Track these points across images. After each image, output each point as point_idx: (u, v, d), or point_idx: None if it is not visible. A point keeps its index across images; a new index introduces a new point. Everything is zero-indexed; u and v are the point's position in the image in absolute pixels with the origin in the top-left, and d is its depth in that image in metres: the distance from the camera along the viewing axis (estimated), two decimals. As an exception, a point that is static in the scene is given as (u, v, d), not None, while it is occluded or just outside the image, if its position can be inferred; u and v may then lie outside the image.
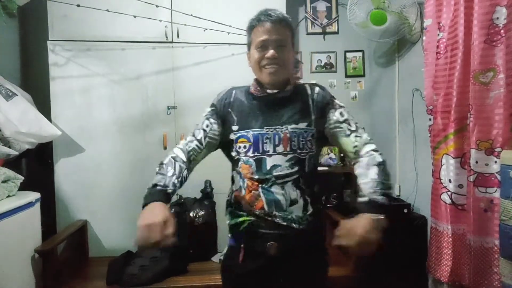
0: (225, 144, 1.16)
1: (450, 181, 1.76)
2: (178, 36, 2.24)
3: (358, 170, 1.10)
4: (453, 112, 1.71)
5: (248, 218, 1.11)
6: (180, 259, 2.01)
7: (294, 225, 1.09)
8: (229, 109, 1.15)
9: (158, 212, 0.96)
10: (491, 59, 1.52)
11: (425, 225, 2.07)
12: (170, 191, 1.02)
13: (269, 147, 1.09)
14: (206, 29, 2.16)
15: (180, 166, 1.07)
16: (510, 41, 1.46)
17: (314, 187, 1.15)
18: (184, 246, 2.06)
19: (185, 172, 1.08)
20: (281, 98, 1.14)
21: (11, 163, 1.98)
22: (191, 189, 2.24)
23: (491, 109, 1.53)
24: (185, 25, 2.15)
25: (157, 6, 2.07)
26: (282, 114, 1.12)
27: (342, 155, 2.69)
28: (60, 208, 2.18)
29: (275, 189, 1.08)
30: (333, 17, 2.83)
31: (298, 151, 1.09)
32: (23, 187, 1.88)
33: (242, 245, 1.13)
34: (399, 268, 2.01)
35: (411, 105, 2.23)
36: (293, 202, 1.09)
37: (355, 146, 1.12)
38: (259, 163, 1.09)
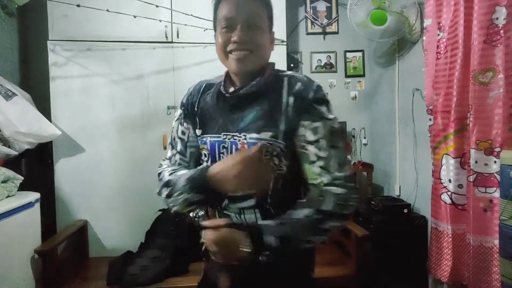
0: None
1: (450, 181, 1.76)
2: (178, 36, 2.24)
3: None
4: (453, 112, 1.71)
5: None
6: (181, 259, 2.01)
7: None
8: (195, 109, 0.94)
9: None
10: (491, 59, 1.52)
11: (425, 225, 2.07)
12: None
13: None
14: (206, 29, 2.15)
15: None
16: (510, 41, 1.46)
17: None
18: (185, 246, 2.06)
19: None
20: (244, 95, 0.87)
21: (11, 163, 1.98)
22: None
23: (490, 109, 1.53)
24: (185, 25, 2.15)
25: (157, 6, 2.07)
26: (242, 117, 0.86)
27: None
28: (60, 208, 2.18)
29: (233, 214, 0.87)
30: (333, 17, 2.83)
31: None
32: (23, 187, 1.88)
33: (203, 267, 0.98)
34: (399, 268, 2.01)
35: (411, 105, 2.23)
36: None
37: (314, 184, 0.82)
38: None
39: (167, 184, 0.88)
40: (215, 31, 0.92)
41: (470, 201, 1.62)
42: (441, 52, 1.76)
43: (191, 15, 2.08)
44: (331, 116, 0.85)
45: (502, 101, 1.49)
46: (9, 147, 1.92)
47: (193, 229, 2.10)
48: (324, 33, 2.84)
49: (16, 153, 1.95)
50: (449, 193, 1.77)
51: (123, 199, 2.21)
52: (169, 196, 0.87)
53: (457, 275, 1.75)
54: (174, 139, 0.98)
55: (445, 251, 1.79)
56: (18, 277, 1.71)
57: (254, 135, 0.84)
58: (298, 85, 0.86)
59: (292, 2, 2.70)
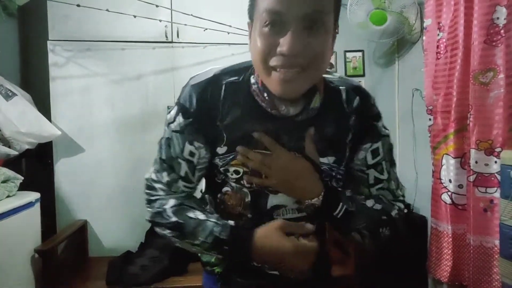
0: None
1: (450, 181, 1.76)
2: (178, 36, 2.24)
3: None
4: (453, 112, 1.71)
5: (221, 262, 0.79)
6: (180, 259, 2.01)
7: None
8: (216, 119, 0.70)
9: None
10: (491, 59, 1.52)
11: (425, 225, 2.07)
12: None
13: None
14: (206, 29, 2.15)
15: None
16: (510, 41, 1.46)
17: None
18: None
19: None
20: (303, 121, 0.70)
21: (11, 163, 1.98)
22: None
23: (491, 109, 1.53)
24: (185, 25, 2.15)
25: (157, 6, 2.07)
26: (301, 138, 0.71)
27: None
28: (60, 208, 2.18)
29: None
30: (333, 17, 2.82)
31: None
32: (23, 187, 1.88)
33: None
34: (399, 268, 2.01)
35: (411, 105, 2.23)
36: None
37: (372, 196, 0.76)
38: (257, 198, 0.73)
39: (176, 227, 0.70)
40: (251, 22, 0.67)
41: (471, 201, 1.62)
42: (441, 52, 1.76)
43: (191, 15, 2.08)
44: (387, 132, 0.75)
45: (503, 101, 1.49)
46: (9, 147, 1.92)
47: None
48: (324, 33, 2.83)
49: (16, 153, 1.95)
50: (449, 193, 1.76)
51: (123, 199, 2.21)
52: (176, 237, 0.72)
53: (457, 275, 1.75)
54: (175, 159, 0.72)
55: (445, 251, 1.79)
56: (18, 277, 1.71)
57: (322, 158, 0.72)
58: (357, 100, 0.73)
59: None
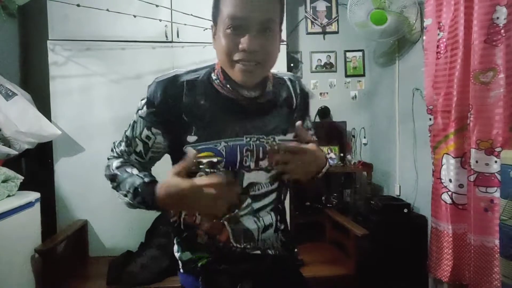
0: (173, 154, 0.87)
1: (450, 180, 1.76)
2: (178, 36, 2.24)
3: None
4: (453, 111, 1.71)
5: (205, 255, 0.86)
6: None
7: (269, 251, 0.87)
8: (180, 112, 0.80)
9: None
10: (491, 58, 1.52)
11: (425, 225, 2.07)
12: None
13: (249, 162, 0.82)
14: (206, 29, 2.15)
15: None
16: (510, 41, 1.46)
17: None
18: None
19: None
20: (263, 102, 0.85)
21: (11, 163, 1.98)
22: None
23: (491, 109, 1.53)
24: (185, 25, 2.15)
25: (157, 6, 2.07)
26: (264, 120, 0.85)
27: (342, 154, 2.69)
28: (60, 208, 2.18)
29: (250, 216, 0.84)
30: (333, 17, 2.82)
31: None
32: (23, 187, 1.88)
33: (200, 283, 0.86)
34: (399, 268, 2.01)
35: (411, 105, 2.23)
36: (266, 228, 0.87)
37: None
38: (234, 177, 0.82)
39: (113, 178, 0.85)
40: (214, 25, 0.80)
41: (471, 201, 1.62)
42: (441, 52, 1.76)
43: (191, 15, 2.08)
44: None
45: (503, 101, 1.49)
46: (9, 147, 1.92)
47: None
48: (324, 33, 2.84)
49: (16, 152, 1.95)
50: (449, 192, 1.76)
51: (123, 199, 2.21)
52: (114, 188, 0.86)
53: (457, 275, 1.75)
54: (133, 138, 0.86)
55: (445, 251, 1.79)
56: (18, 277, 1.71)
57: (282, 137, 0.86)
58: (297, 86, 0.93)
59: (292, 2, 2.70)
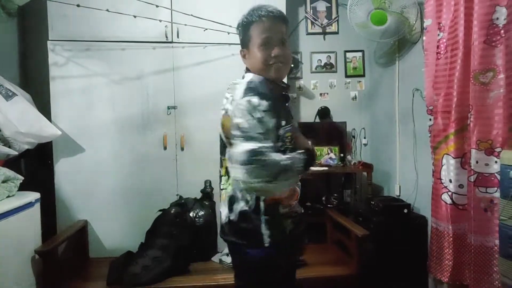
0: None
1: (450, 181, 1.76)
2: (178, 36, 2.24)
3: None
4: (453, 112, 1.71)
5: (289, 219, 1.13)
6: (181, 259, 2.01)
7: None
8: (276, 104, 1.08)
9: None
10: (491, 59, 1.52)
11: (425, 225, 2.07)
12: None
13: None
14: (206, 29, 2.15)
15: None
16: (510, 41, 1.46)
17: None
18: (186, 246, 2.05)
19: None
20: (287, 87, 1.23)
21: (11, 163, 1.98)
22: (191, 189, 2.24)
23: (491, 109, 1.54)
24: (185, 25, 2.15)
25: (157, 6, 2.07)
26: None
27: (342, 155, 2.69)
28: (60, 208, 2.18)
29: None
30: (333, 17, 2.83)
31: None
32: (23, 187, 1.88)
33: (286, 247, 1.13)
34: (399, 268, 2.01)
35: (411, 105, 2.23)
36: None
37: None
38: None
39: (285, 168, 1.00)
40: (245, 49, 1.15)
41: (471, 201, 1.62)
42: (441, 52, 1.76)
43: (191, 15, 2.08)
44: None
45: (503, 101, 1.49)
46: (9, 147, 1.92)
47: (193, 229, 2.11)
48: (324, 33, 2.84)
49: (16, 153, 1.95)
50: (449, 193, 1.77)
51: (123, 199, 2.21)
52: (285, 179, 1.01)
53: (457, 275, 1.75)
54: (267, 131, 1.01)
55: (445, 251, 1.79)
56: (18, 278, 1.70)
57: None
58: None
59: (292, 2, 2.70)
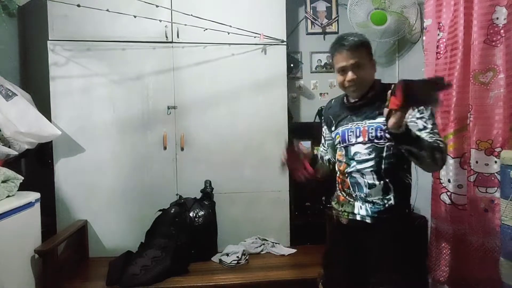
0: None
1: (449, 181, 1.76)
2: (178, 36, 2.24)
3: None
4: (453, 112, 1.71)
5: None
6: (181, 259, 2.01)
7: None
8: (329, 116, 1.48)
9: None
10: (491, 59, 1.52)
11: (425, 225, 2.07)
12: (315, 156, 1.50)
13: (352, 139, 1.35)
14: (206, 29, 2.15)
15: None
16: (510, 41, 1.46)
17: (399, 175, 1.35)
18: (186, 246, 2.05)
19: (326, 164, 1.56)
20: (362, 104, 1.36)
21: (11, 163, 1.98)
22: (191, 189, 2.24)
23: (491, 109, 1.53)
24: (185, 25, 2.15)
25: (157, 6, 2.07)
26: (363, 112, 1.35)
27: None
28: (60, 208, 2.18)
29: (358, 175, 1.34)
30: (333, 17, 2.83)
31: (376, 140, 1.29)
32: (23, 187, 1.88)
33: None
34: (399, 268, 2.00)
35: (411, 105, 2.22)
36: (371, 186, 1.31)
37: None
38: (346, 150, 1.37)
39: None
40: (335, 70, 1.37)
41: (471, 201, 1.62)
42: (441, 52, 1.76)
43: (191, 15, 2.09)
44: None
45: (503, 101, 1.49)
46: (9, 147, 1.92)
47: (193, 229, 2.11)
48: (324, 33, 2.84)
49: (16, 153, 1.95)
50: (448, 193, 1.76)
51: (123, 199, 2.21)
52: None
53: (457, 275, 1.75)
54: (324, 136, 1.57)
55: (445, 251, 1.78)
56: (18, 277, 1.71)
57: (371, 121, 1.32)
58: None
59: (292, 2, 2.70)
